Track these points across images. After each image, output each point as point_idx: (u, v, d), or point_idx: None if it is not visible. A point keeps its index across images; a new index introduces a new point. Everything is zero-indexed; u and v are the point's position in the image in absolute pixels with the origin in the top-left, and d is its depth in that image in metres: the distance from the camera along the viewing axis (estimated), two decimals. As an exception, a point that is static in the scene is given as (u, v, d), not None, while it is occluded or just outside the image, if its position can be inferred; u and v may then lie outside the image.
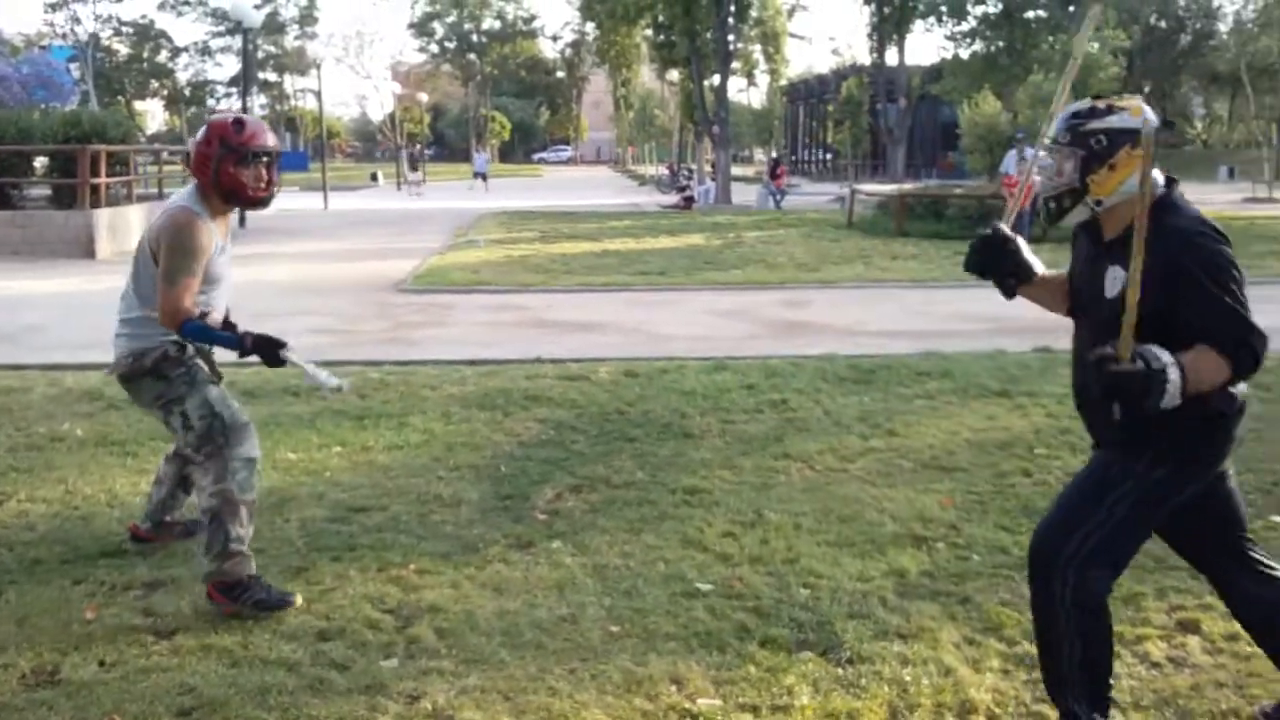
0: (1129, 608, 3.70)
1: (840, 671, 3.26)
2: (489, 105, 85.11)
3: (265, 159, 3.72)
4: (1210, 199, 25.83)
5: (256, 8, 27.32)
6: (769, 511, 4.63)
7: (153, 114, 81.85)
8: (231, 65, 74.48)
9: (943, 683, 3.20)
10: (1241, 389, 2.68)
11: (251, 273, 14.17)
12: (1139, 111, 2.68)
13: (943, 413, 6.43)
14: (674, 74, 42.63)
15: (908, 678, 3.22)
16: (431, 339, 9.32)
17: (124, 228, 17.15)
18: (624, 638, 3.49)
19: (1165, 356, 2.47)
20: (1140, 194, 2.47)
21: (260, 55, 70.94)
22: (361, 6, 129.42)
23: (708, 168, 37.71)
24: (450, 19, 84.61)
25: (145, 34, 73.41)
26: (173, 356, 3.73)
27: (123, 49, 73.46)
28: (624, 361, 7.90)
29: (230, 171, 3.64)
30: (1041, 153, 2.88)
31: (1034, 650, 3.36)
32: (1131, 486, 2.70)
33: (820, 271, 13.91)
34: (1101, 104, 2.71)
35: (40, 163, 18.50)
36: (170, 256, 3.59)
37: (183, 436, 3.79)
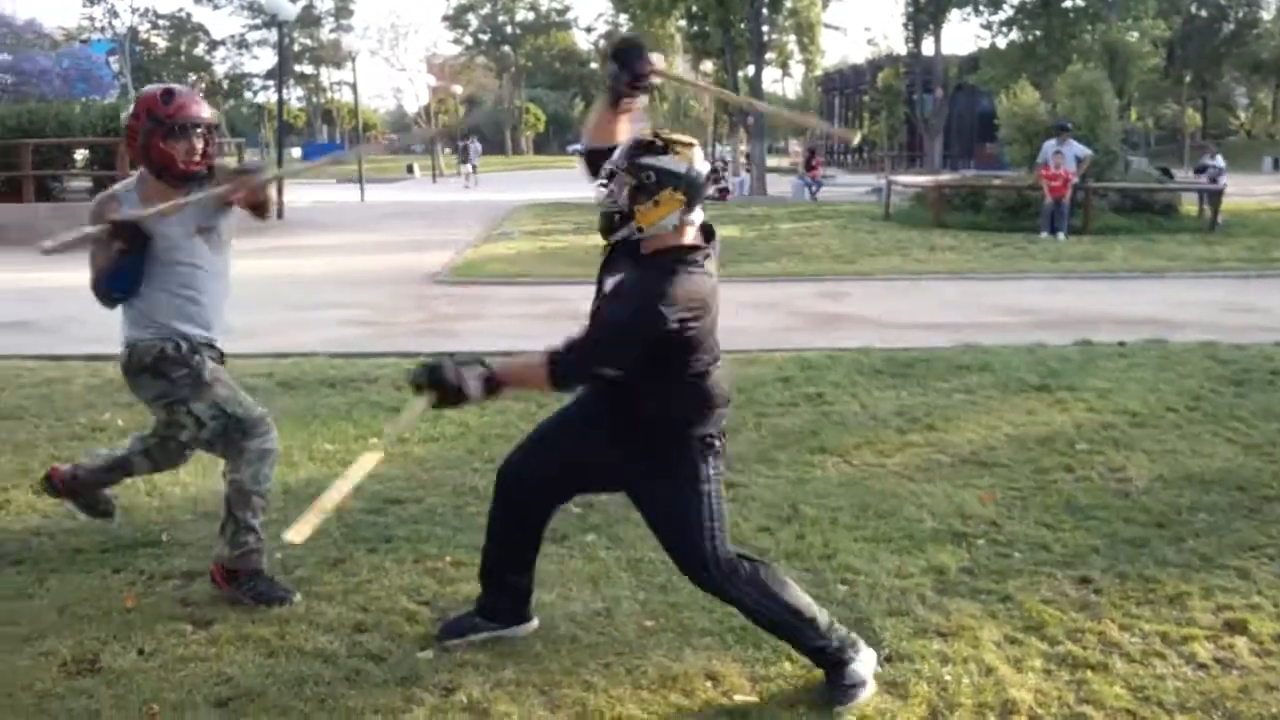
0: (1174, 607, 3.64)
1: (879, 670, 3.22)
2: (523, 97, 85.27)
3: (197, 130, 3.54)
4: (1254, 190, 25.45)
5: (292, 1, 27.45)
6: (805, 506, 4.60)
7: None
8: (268, 58, 75.16)
9: (984, 682, 3.15)
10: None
11: (289, 265, 14.29)
12: (688, 158, 2.90)
13: (982, 407, 6.35)
14: (708, 65, 42.46)
15: (948, 677, 3.18)
16: (468, 331, 9.34)
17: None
18: (659, 632, 3.47)
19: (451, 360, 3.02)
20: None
21: (296, 48, 71.43)
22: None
23: (742, 159, 37.58)
24: (484, 11, 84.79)
25: (182, 27, 74.14)
26: (171, 356, 3.62)
27: (160, 42, 74.21)
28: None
29: (160, 145, 3.50)
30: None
31: (1077, 650, 3.33)
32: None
33: (856, 263, 13.81)
34: (660, 142, 2.89)
35: (80, 155, 18.75)
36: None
37: (194, 435, 3.72)
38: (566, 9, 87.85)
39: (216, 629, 3.46)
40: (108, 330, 8.96)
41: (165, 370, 3.63)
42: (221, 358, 3.80)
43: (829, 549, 4.13)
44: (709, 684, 3.14)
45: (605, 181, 2.93)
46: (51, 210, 16.73)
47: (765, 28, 33.63)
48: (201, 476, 4.99)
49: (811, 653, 3.11)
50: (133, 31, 66.93)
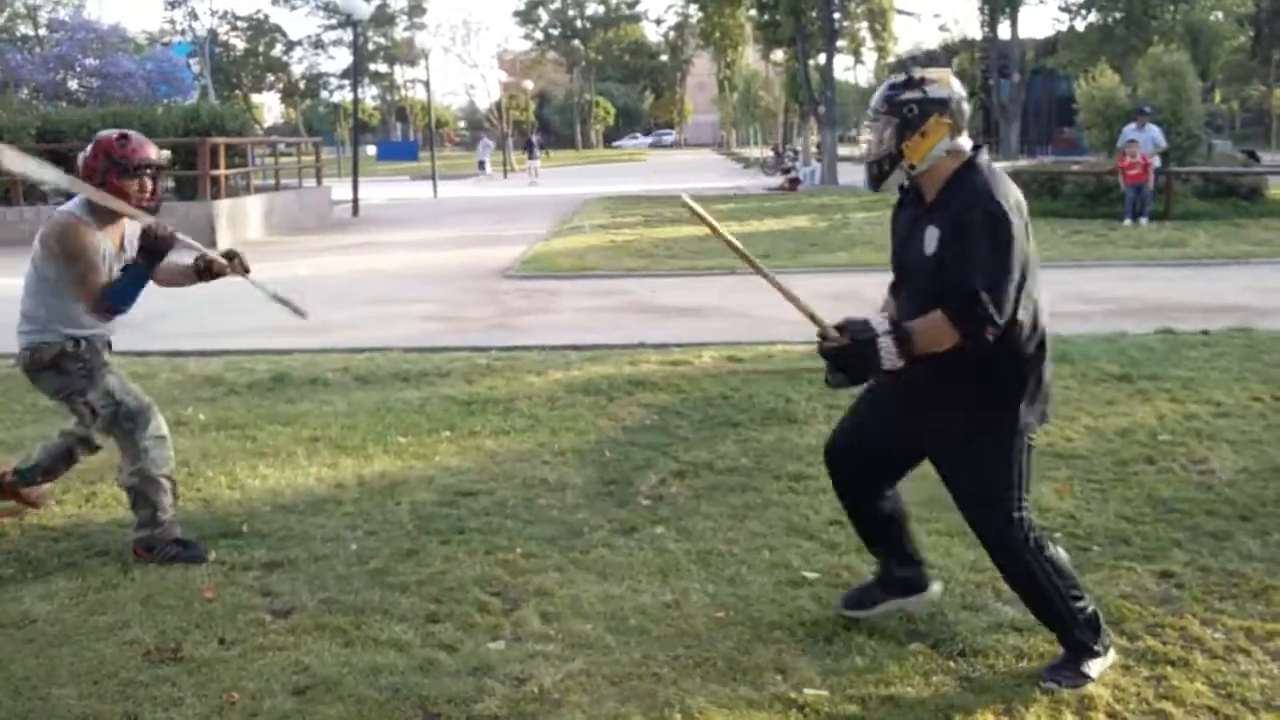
0: (1259, 602, 3.53)
1: (952, 664, 3.18)
2: (593, 91, 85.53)
3: (148, 171, 3.93)
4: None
5: (366, 0, 27.84)
6: (877, 498, 4.54)
7: (269, 107, 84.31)
8: (344, 58, 76.44)
9: (1060, 677, 3.09)
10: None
11: (364, 261, 14.53)
12: (947, 83, 2.99)
13: (1060, 398, 6.20)
14: (779, 54, 42.17)
15: (1023, 671, 3.12)
16: (537, 325, 9.40)
17: (242, 218, 17.72)
18: (729, 625, 3.46)
19: (876, 325, 2.89)
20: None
21: (370, 47, 72.47)
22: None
23: (813, 149, 37.24)
24: (554, 6, 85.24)
25: (260, 28, 75.61)
26: (69, 353, 4.03)
27: (239, 44, 75.79)
28: (728, 346, 7.85)
29: (115, 183, 3.86)
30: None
31: (1157, 645, 3.25)
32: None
33: (929, 253, 13.59)
34: (917, 73, 3.01)
35: (162, 155, 19.24)
36: (70, 265, 3.90)
37: (90, 423, 4.13)
38: (636, 1, 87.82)
39: (295, 619, 3.54)
40: (190, 327, 9.22)
41: (64, 366, 4.06)
42: (110, 347, 4.24)
43: (901, 542, 4.07)
44: (779, 677, 3.13)
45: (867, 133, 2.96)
46: (136, 210, 17.19)
47: (837, 15, 33.21)
48: (280, 469, 5.10)
49: (1069, 635, 3.08)
50: (212, 34, 68.45)
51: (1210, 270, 11.77)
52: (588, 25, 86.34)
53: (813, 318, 3.10)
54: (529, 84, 62.98)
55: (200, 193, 17.18)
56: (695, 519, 4.38)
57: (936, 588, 3.49)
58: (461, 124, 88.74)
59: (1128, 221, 15.98)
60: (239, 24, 74.83)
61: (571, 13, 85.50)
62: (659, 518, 4.40)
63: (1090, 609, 3.11)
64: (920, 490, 4.52)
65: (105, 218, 3.98)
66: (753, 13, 38.83)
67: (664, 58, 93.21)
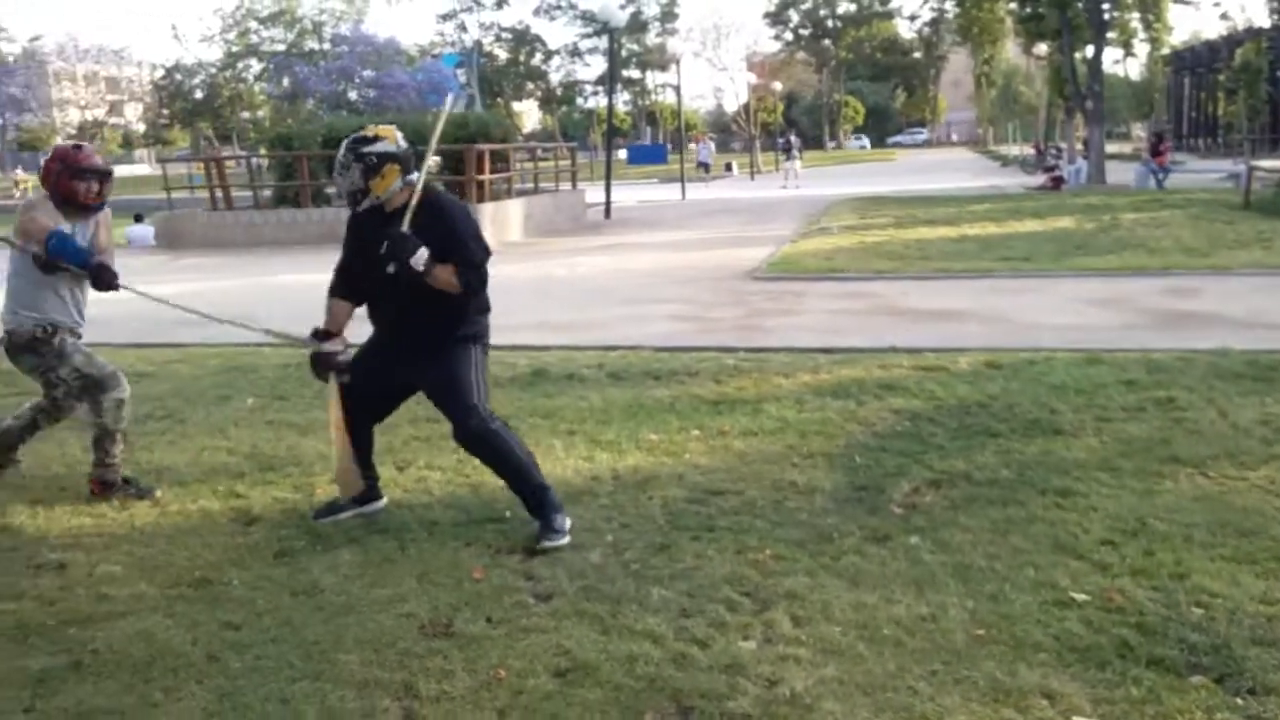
0: None
1: (1240, 702, 2.93)
2: (843, 90, 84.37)
3: (94, 175, 4.77)
4: None
5: (621, 8, 28.59)
6: (1154, 520, 4.25)
7: (528, 114, 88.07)
8: (599, 65, 78.58)
9: (1370, 727, 2.79)
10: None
11: (616, 261, 14.92)
12: (394, 138, 4.26)
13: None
14: (1042, 47, 40.21)
15: (1324, 717, 2.85)
16: (785, 326, 9.36)
17: (504, 220, 18.58)
18: (990, 643, 3.33)
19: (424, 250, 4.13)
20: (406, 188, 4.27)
21: (624, 54, 74.31)
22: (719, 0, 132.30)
23: (1079, 145, 35.28)
24: (805, 6, 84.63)
25: (522, 39, 78.98)
26: (41, 338, 4.82)
27: (502, 54, 79.46)
28: (985, 352, 7.56)
29: (66, 183, 4.72)
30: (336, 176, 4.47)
31: None
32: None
33: (1211, 257, 12.58)
34: (370, 134, 4.25)
35: (433, 161, 20.46)
36: (25, 227, 4.73)
37: (67, 391, 4.92)
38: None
39: (556, 603, 3.68)
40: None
41: (38, 348, 4.84)
42: (76, 334, 4.98)
43: (1181, 568, 3.80)
44: (1045, 702, 2.98)
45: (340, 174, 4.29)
46: (408, 212, 18.35)
47: (1106, 5, 31.31)
48: (540, 459, 5.30)
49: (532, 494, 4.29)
50: (478, 45, 72.12)
51: None
52: (839, 24, 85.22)
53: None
54: (777, 85, 62.83)
55: (467, 196, 18.13)
56: (952, 531, 4.24)
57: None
58: (708, 131, 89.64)
59: None
60: (503, 35, 78.45)
61: (823, 12, 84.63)
62: (913, 527, 4.29)
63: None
64: (1207, 511, 4.21)
65: (73, 215, 4.78)
66: (1014, 5, 37.18)
67: (917, 54, 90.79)
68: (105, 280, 4.74)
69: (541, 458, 5.30)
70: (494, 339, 4.59)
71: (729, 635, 3.43)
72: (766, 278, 12.61)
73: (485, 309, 4.45)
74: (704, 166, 44.49)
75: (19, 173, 49.35)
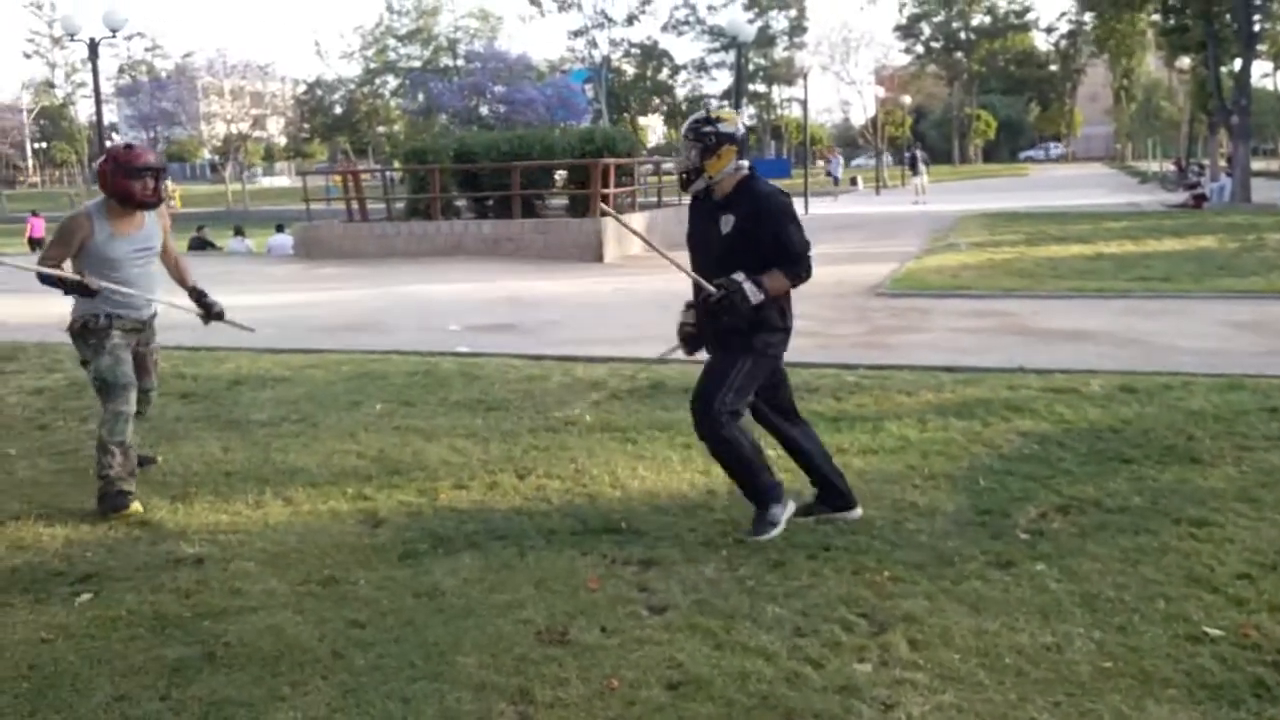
0: None
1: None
2: (974, 104, 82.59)
3: (149, 173, 4.87)
4: None
5: (750, 22, 28.60)
6: (1297, 555, 4.05)
7: (653, 128, 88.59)
8: (725, 79, 78.51)
9: None
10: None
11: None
12: (734, 121, 4.29)
13: None
14: (1185, 60, 38.67)
15: None
16: (908, 344, 9.21)
17: (627, 235, 18.72)
18: (1116, 676, 3.21)
19: (738, 276, 4.18)
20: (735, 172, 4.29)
21: (751, 68, 74.21)
22: (848, 12, 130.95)
23: (1222, 162, 33.79)
24: (938, 18, 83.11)
25: (650, 54, 79.50)
26: (89, 328, 4.95)
27: (630, 69, 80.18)
28: (1119, 375, 7.30)
29: (122, 182, 4.85)
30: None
31: None
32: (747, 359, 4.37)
33: (1367, 280, 11.91)
34: (712, 114, 4.29)
35: (559, 175, 20.79)
36: (53, 243, 4.97)
37: (91, 384, 5.05)
38: (1026, 10, 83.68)
39: (669, 616, 3.70)
40: (578, 334, 9.88)
41: (85, 337, 5.00)
42: (141, 326, 5.14)
43: (1327, 606, 3.60)
44: (1174, 740, 2.87)
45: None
46: (535, 226, 18.69)
47: (1256, 16, 29.96)
48: (657, 472, 5.35)
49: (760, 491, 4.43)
50: (606, 60, 72.97)
51: None
52: (972, 36, 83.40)
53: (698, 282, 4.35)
54: (906, 99, 61.90)
55: (591, 210, 18.35)
56: (1080, 559, 4.11)
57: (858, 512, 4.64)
58: (834, 145, 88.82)
59: None
60: (632, 50, 79.18)
61: (955, 25, 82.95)
62: (1039, 554, 4.17)
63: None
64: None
65: (117, 214, 4.92)
66: (1156, 17, 35.90)
67: (1053, 67, 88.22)
68: (77, 289, 4.91)
69: (658, 470, 5.36)
70: (614, 351, 4.66)
71: (844, 656, 3.39)
72: (890, 294, 12.42)
73: (784, 328, 4.48)
74: (833, 180, 44.04)
75: (169, 184, 51.91)
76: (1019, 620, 3.60)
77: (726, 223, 4.27)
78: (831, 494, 4.65)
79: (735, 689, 3.18)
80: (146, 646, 3.57)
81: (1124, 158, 68.31)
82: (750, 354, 4.36)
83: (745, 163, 4.31)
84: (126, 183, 4.87)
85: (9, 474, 5.63)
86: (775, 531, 4.39)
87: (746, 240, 4.24)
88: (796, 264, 4.26)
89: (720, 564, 4.16)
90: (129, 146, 5.01)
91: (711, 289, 4.22)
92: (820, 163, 46.72)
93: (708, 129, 4.22)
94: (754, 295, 4.17)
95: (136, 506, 4.91)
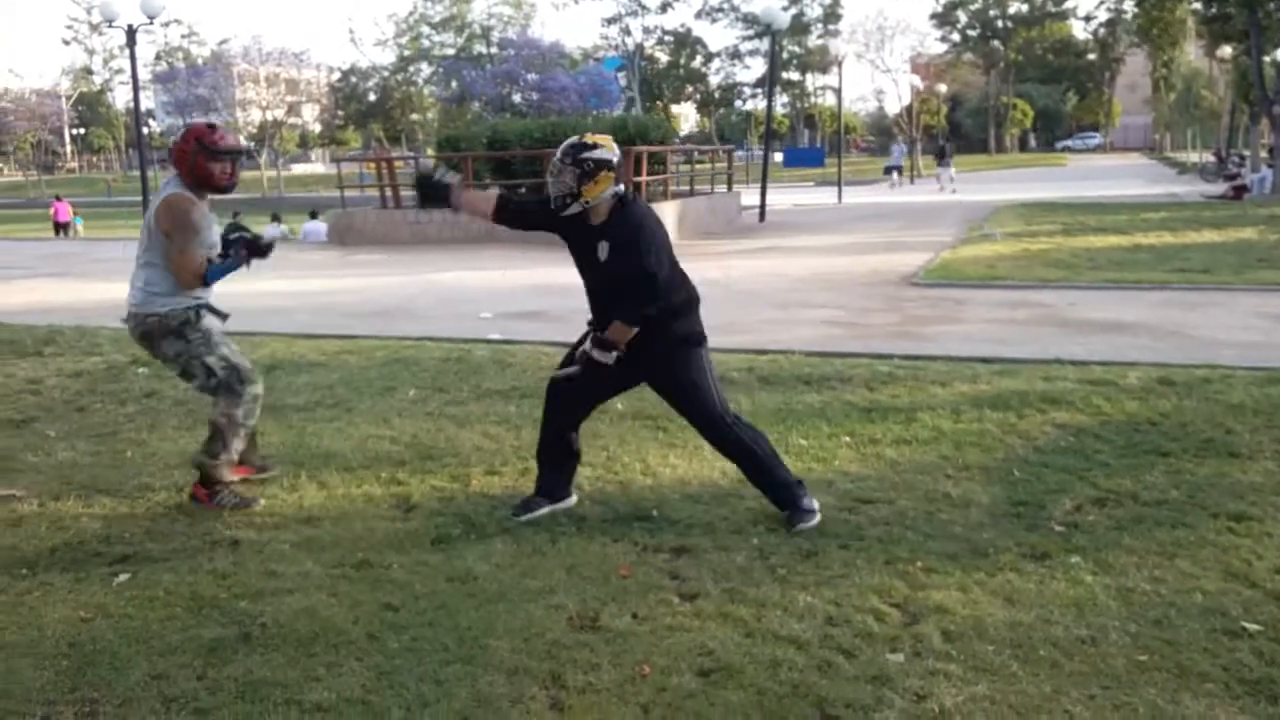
0: None
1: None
2: (1010, 93, 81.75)
3: (230, 156, 4.63)
4: None
5: (784, 9, 28.43)
6: (1339, 550, 3.99)
7: (685, 116, 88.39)
8: (758, 67, 78.28)
9: None
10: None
11: (769, 265, 14.86)
12: (610, 147, 4.28)
13: None
14: (1226, 50, 38.05)
15: None
16: (942, 334, 9.14)
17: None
18: (1152, 670, 3.19)
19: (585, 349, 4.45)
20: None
21: (784, 56, 73.81)
22: (884, 0, 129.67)
23: (1264, 153, 33.28)
24: (974, 6, 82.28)
25: (683, 42, 79.30)
26: (192, 322, 4.70)
27: (663, 57, 80.00)
28: (1157, 367, 7.22)
29: (203, 165, 4.57)
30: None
31: None
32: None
33: None
34: (589, 140, 4.28)
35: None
36: (180, 233, 4.55)
37: (203, 382, 4.77)
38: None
39: (700, 604, 3.70)
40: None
41: (186, 333, 4.70)
42: (224, 317, 4.90)
43: (1369, 603, 3.55)
44: (1210, 735, 2.84)
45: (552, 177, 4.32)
46: (566, 213, 18.65)
47: (1302, 3, 29.44)
48: (688, 460, 5.35)
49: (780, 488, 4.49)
50: (640, 48, 72.85)
51: None
52: (1009, 24, 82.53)
53: None
54: (942, 87, 61.37)
55: (622, 197, 18.31)
56: (1116, 552, 4.07)
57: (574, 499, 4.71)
58: (870, 139, 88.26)
59: None
60: (665, 38, 78.95)
61: (993, 12, 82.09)
62: (1074, 546, 4.14)
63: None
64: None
65: (201, 195, 4.65)
66: (1197, 6, 35.35)
67: (1091, 56, 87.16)
68: (258, 250, 4.64)
69: (689, 459, 5.36)
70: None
71: (876, 646, 3.38)
72: (924, 284, 12.34)
73: (681, 312, 4.44)
74: (896, 170, 42.42)
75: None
76: (1053, 613, 3.58)
77: (603, 249, 4.30)
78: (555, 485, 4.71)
79: (766, 677, 3.18)
80: (183, 626, 3.61)
81: (1163, 148, 67.48)
82: (683, 347, 4.42)
83: (620, 188, 4.35)
84: (209, 165, 4.59)
85: (48, 455, 5.71)
86: (818, 518, 4.42)
87: (620, 266, 4.27)
88: (641, 300, 4.24)
89: (751, 552, 4.15)
90: (212, 126, 4.70)
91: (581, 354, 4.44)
92: (894, 149, 45.21)
93: (584, 154, 4.24)
94: (606, 359, 4.32)
95: (262, 503, 4.87)
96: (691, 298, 4.48)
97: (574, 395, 4.61)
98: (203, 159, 4.59)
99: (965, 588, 3.79)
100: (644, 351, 4.36)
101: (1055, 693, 3.07)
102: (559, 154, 4.30)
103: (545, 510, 4.61)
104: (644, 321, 4.29)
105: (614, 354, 4.31)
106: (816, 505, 4.48)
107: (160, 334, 4.71)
